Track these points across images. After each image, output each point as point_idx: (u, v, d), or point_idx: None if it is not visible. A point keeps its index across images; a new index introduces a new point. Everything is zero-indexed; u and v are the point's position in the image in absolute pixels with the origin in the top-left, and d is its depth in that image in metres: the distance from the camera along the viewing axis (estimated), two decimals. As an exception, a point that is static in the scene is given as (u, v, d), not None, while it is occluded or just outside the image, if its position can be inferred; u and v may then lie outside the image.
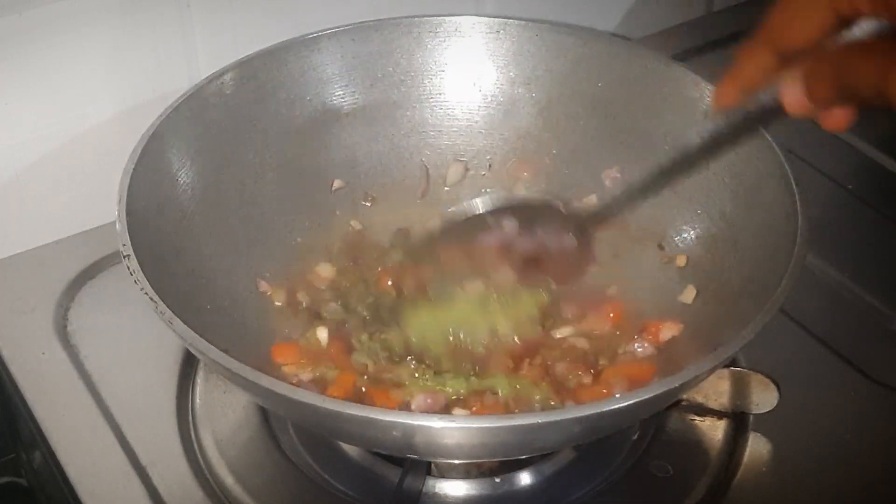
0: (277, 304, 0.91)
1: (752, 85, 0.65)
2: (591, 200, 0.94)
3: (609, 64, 0.98)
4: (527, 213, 0.87)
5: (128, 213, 0.77)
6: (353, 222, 0.99)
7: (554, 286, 0.88)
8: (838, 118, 0.62)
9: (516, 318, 0.87)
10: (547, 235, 0.87)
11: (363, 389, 0.84)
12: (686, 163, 0.76)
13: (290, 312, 0.91)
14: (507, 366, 0.85)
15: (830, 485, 0.84)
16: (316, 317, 0.91)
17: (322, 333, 0.88)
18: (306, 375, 0.85)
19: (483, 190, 1.02)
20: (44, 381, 0.89)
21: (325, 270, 0.95)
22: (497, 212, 0.87)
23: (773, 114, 0.65)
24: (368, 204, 1.00)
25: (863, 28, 0.60)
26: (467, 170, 1.02)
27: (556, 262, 0.86)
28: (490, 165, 1.02)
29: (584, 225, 0.86)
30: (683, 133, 0.92)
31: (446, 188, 1.02)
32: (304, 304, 0.92)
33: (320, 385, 0.84)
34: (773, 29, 0.63)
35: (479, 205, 0.87)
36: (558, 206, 0.87)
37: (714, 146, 0.73)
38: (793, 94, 0.62)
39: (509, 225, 0.87)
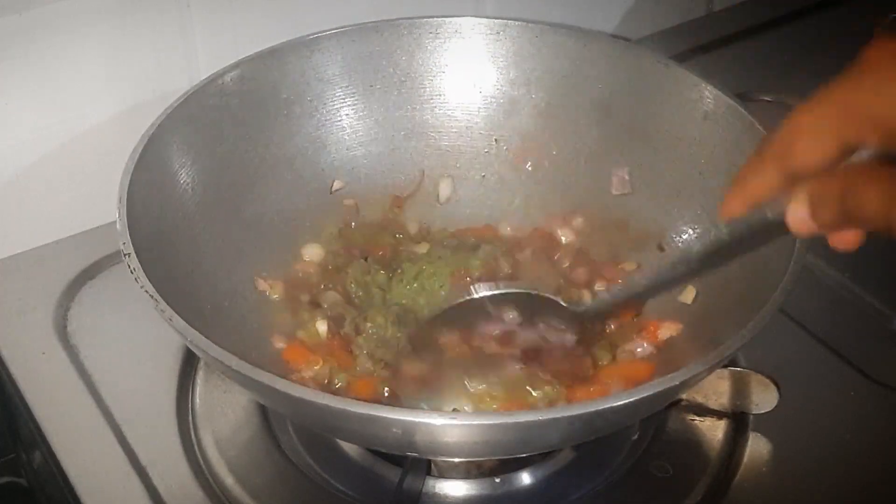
0: (275, 296, 0.91)
1: (757, 200, 0.64)
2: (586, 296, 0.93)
3: (609, 65, 0.98)
4: (528, 304, 0.88)
5: (128, 213, 0.77)
6: (353, 223, 0.99)
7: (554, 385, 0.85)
8: (847, 239, 0.62)
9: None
10: (548, 330, 0.87)
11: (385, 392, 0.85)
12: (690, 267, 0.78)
13: (288, 308, 0.91)
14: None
15: (830, 485, 0.84)
16: (316, 306, 0.91)
17: (322, 326, 0.88)
18: (312, 373, 0.85)
19: (482, 205, 1.02)
20: (44, 381, 0.89)
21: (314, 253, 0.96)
22: (498, 301, 0.88)
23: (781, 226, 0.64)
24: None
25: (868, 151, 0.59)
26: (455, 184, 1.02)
27: (556, 357, 0.86)
28: (490, 167, 1.02)
29: (585, 322, 0.87)
30: (683, 134, 0.93)
31: (440, 203, 1.02)
32: (306, 300, 0.92)
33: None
34: (779, 149, 0.61)
35: (480, 290, 0.88)
36: (559, 302, 0.88)
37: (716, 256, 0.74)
38: (797, 215, 0.61)
39: (510, 315, 0.88)
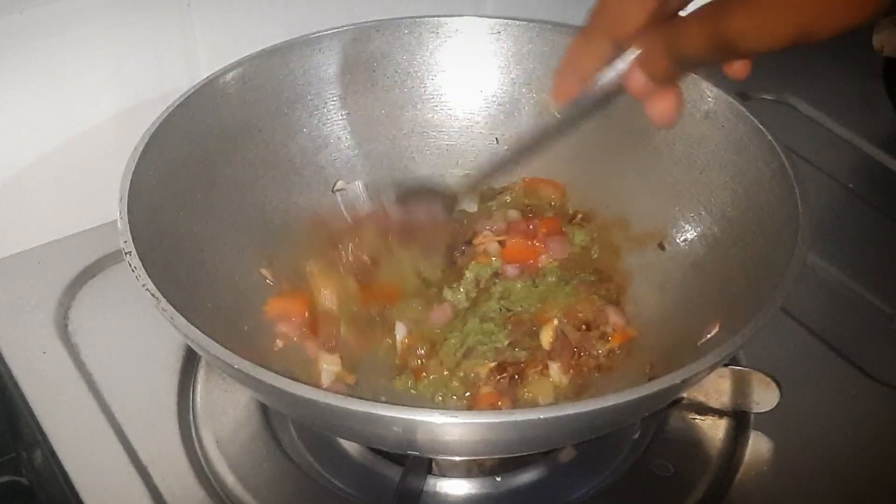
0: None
1: (589, 74, 0.69)
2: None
3: (609, 64, 0.98)
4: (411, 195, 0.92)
5: (129, 211, 0.77)
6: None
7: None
8: (662, 109, 0.67)
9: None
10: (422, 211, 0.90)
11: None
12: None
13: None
14: None
15: (831, 483, 0.84)
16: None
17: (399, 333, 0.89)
18: None
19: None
20: (44, 380, 0.89)
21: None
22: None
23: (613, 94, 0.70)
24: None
25: None
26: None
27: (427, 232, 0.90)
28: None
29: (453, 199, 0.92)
30: (684, 132, 0.93)
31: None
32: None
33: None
34: (604, 17, 0.67)
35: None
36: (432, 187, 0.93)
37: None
38: (634, 77, 0.66)
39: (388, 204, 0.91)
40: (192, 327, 0.69)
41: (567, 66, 0.70)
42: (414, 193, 0.92)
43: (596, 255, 0.96)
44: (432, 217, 0.90)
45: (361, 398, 0.65)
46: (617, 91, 0.69)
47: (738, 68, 0.66)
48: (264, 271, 0.91)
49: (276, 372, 0.67)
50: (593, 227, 0.97)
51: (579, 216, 0.98)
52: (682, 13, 0.66)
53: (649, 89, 0.66)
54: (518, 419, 0.65)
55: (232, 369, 0.68)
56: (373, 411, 0.64)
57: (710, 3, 0.61)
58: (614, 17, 0.65)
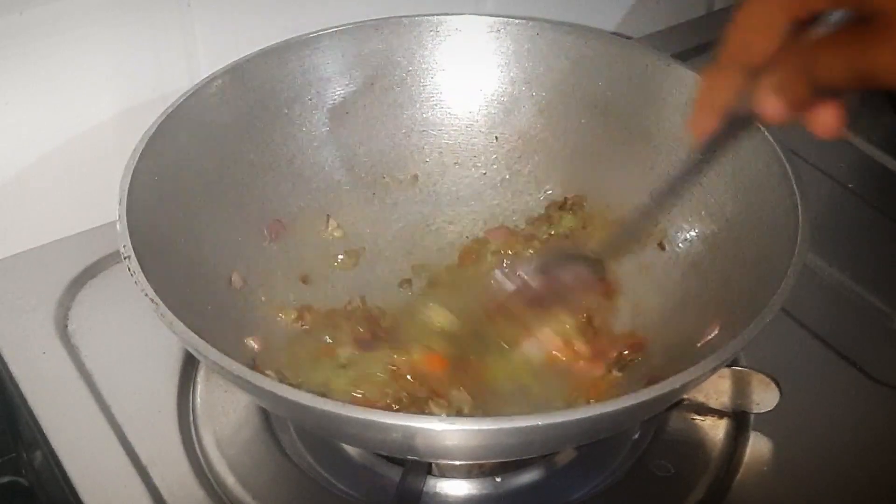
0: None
1: (725, 107, 0.66)
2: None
3: (609, 63, 0.98)
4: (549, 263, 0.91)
5: (128, 214, 0.77)
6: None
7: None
8: (827, 121, 0.62)
9: None
10: (563, 272, 0.90)
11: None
12: (686, 174, 0.80)
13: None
14: None
15: (832, 484, 0.84)
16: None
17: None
18: None
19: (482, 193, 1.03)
20: (44, 381, 0.89)
21: None
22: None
23: (750, 121, 0.67)
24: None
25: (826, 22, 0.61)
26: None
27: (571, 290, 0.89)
28: (491, 165, 1.02)
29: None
30: (684, 132, 0.93)
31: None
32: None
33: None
34: (735, 48, 0.63)
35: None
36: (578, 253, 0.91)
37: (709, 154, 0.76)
38: (767, 102, 0.61)
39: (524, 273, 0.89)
40: (191, 333, 0.69)
41: (702, 101, 0.67)
42: (555, 262, 0.91)
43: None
44: (578, 280, 0.89)
45: (359, 405, 0.65)
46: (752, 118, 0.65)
47: (828, 121, 0.62)
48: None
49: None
50: (583, 214, 0.98)
51: (569, 203, 0.98)
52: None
53: (785, 116, 0.62)
54: (517, 425, 0.65)
55: (231, 375, 0.68)
56: (371, 418, 0.64)
57: (849, 31, 0.57)
58: (743, 49, 0.62)
